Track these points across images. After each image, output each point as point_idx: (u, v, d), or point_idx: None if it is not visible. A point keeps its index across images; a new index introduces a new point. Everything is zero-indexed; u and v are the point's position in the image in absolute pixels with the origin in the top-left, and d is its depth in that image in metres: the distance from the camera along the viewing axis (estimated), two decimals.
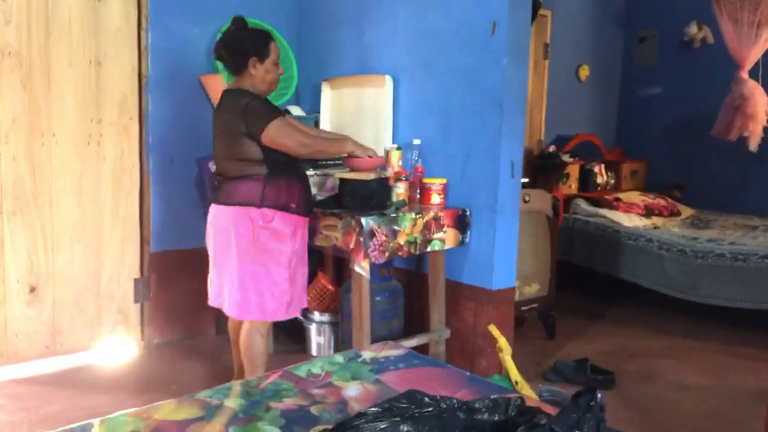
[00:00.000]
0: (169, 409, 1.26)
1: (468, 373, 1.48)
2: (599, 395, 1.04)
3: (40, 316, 3.10)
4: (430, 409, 1.06)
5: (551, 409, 1.20)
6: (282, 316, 2.60)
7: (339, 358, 1.55)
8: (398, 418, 1.03)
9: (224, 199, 2.48)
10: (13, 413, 2.59)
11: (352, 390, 1.37)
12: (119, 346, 3.34)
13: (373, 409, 1.06)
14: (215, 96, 3.36)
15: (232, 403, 1.29)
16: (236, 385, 1.37)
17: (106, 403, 2.70)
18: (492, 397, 1.10)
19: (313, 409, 1.28)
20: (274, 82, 2.57)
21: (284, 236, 2.49)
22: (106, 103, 3.20)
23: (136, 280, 3.37)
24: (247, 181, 2.43)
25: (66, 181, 3.11)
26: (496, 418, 1.06)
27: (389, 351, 1.61)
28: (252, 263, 2.45)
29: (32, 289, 3.06)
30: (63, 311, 3.16)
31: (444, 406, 1.07)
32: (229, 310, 2.55)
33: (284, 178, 2.47)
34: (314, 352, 3.32)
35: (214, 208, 2.54)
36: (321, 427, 1.17)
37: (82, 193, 3.16)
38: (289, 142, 2.42)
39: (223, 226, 2.49)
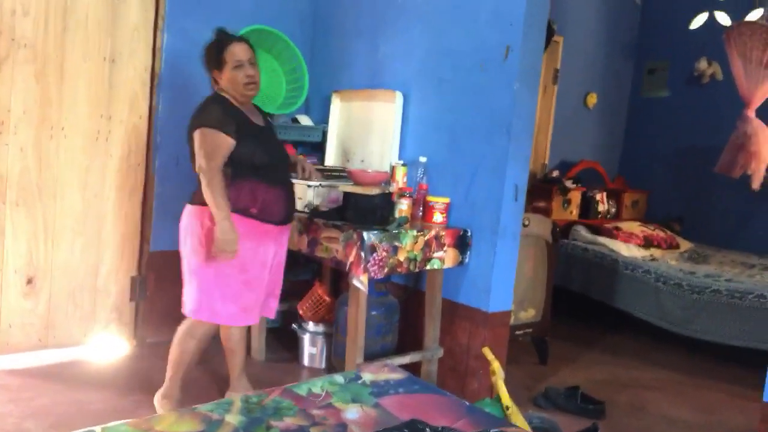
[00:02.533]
0: (169, 421, 1.27)
1: (467, 403, 1.48)
2: None
3: (35, 308, 3.09)
4: None
5: None
6: (239, 322, 2.51)
7: (339, 378, 1.55)
8: None
9: (189, 198, 2.48)
10: (2, 404, 2.58)
11: (352, 413, 1.37)
12: (111, 343, 3.33)
13: None
14: None
15: (233, 419, 1.29)
16: (237, 401, 1.37)
17: (96, 400, 2.70)
18: (492, 431, 1.11)
19: (313, 430, 1.28)
20: (245, 84, 2.42)
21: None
22: (118, 100, 3.20)
23: (133, 278, 3.37)
24: None
25: (72, 175, 3.11)
26: None
27: (389, 374, 1.61)
28: (202, 261, 2.40)
29: (29, 281, 3.06)
30: (58, 305, 3.15)
31: None
32: (183, 305, 2.51)
33: (249, 182, 2.38)
34: (306, 362, 3.32)
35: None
36: None
37: (86, 189, 3.16)
38: (198, 155, 2.33)
39: (183, 225, 2.48)
